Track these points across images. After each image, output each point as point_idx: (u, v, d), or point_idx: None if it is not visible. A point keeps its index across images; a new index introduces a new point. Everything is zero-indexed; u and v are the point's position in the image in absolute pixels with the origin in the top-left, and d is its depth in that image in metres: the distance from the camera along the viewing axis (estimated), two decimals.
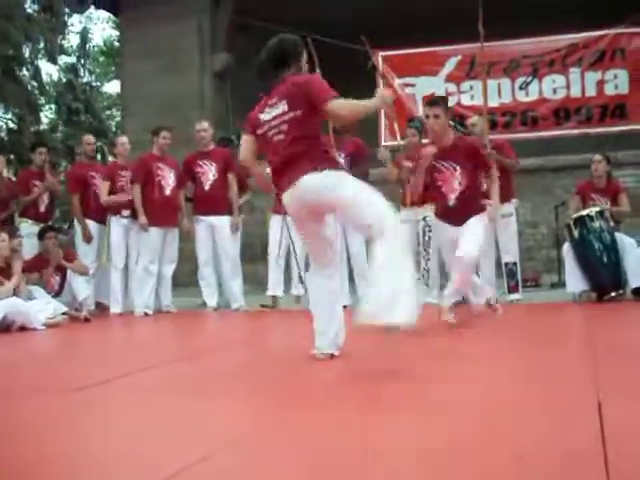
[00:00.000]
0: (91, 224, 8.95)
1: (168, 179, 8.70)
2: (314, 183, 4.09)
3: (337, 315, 4.36)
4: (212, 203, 8.61)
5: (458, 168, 5.74)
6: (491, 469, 2.20)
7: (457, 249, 5.55)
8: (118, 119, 23.01)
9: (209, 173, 8.64)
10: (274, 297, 8.58)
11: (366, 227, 4.07)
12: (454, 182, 5.76)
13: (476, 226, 5.68)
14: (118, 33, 21.24)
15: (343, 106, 4.17)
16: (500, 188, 7.65)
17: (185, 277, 9.67)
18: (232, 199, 8.71)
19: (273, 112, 4.29)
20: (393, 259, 3.81)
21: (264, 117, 4.34)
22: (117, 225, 8.85)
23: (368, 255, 4.87)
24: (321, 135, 4.42)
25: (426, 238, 8.10)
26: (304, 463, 2.39)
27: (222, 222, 8.66)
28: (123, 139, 9.33)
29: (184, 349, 5.69)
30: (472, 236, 5.58)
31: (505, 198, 7.88)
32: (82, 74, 24.84)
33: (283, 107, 4.25)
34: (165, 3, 12.93)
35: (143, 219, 8.45)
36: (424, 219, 8.06)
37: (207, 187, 8.66)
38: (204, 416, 3.11)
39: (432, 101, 6.01)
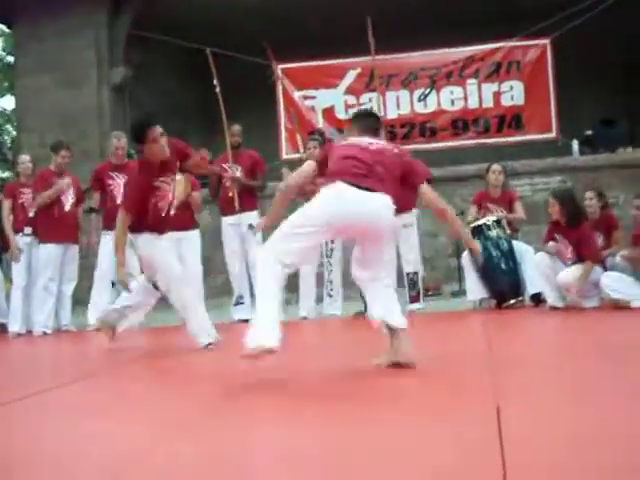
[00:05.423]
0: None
1: (67, 195, 8.59)
2: None
3: None
4: None
5: None
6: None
7: None
8: (13, 134, 22.35)
9: (120, 187, 8.37)
10: None
11: None
12: None
13: None
14: (9, 43, 20.75)
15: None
16: (401, 198, 7.72)
17: (86, 295, 9.44)
18: None
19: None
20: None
21: None
22: (19, 243, 8.68)
23: None
24: None
25: (329, 249, 8.12)
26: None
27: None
28: (24, 158, 9.19)
29: (81, 369, 5.50)
30: None
31: (405, 208, 7.93)
32: None
33: None
34: (62, 16, 12.67)
35: None
36: None
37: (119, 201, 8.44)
38: (105, 437, 2.99)
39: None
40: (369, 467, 2.33)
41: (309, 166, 4.14)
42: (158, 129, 5.43)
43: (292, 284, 8.38)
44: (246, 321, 8.18)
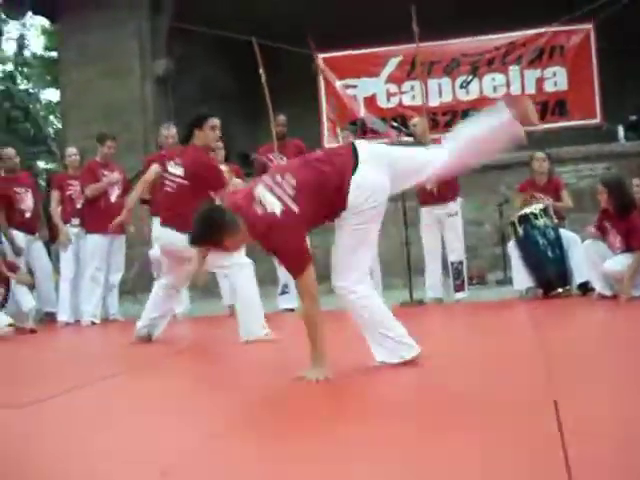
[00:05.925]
0: (20, 235, 8.74)
1: (114, 186, 8.68)
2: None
3: None
4: None
5: None
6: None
7: None
8: (57, 126, 22.59)
9: None
10: None
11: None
12: None
13: None
14: (52, 40, 20.92)
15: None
16: (445, 187, 7.70)
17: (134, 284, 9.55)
18: None
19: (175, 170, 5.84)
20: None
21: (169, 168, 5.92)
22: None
23: None
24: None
25: None
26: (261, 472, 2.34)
27: None
28: (71, 150, 9.31)
29: (127, 361, 5.54)
30: None
31: (450, 197, 7.93)
32: (19, 81, 24.36)
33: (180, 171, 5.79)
34: (104, 9, 12.75)
35: None
36: None
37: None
38: (155, 431, 3.01)
39: None
40: (431, 465, 2.34)
41: (310, 270, 3.87)
42: (218, 121, 5.91)
43: (328, 274, 8.37)
44: (291, 310, 8.21)
